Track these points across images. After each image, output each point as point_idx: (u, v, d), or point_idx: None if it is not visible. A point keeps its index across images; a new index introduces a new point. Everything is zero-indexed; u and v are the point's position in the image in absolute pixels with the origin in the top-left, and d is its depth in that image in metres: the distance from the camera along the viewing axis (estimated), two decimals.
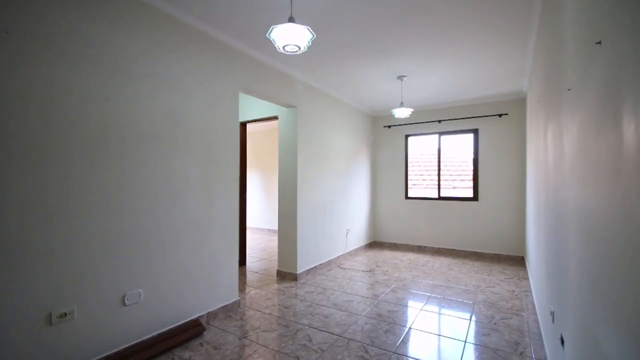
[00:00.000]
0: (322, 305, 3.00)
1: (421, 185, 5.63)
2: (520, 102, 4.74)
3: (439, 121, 5.32)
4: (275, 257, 4.84)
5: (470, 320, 2.67)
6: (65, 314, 1.75)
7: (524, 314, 2.78)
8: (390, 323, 2.63)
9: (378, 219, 5.93)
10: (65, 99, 1.77)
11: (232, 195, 2.87)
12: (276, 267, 4.18)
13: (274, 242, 6.12)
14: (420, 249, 5.46)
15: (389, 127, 5.79)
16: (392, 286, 3.57)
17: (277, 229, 6.68)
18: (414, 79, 3.89)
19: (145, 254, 2.17)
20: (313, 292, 3.39)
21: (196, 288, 2.53)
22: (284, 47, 1.83)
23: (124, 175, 2.05)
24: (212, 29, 2.61)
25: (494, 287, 3.56)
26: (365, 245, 5.65)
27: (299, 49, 1.83)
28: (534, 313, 2.77)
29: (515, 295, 3.26)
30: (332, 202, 4.58)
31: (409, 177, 5.72)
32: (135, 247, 2.12)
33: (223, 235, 2.78)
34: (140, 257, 2.14)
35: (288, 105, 3.73)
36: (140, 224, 2.14)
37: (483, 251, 4.98)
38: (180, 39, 2.41)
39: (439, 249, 5.31)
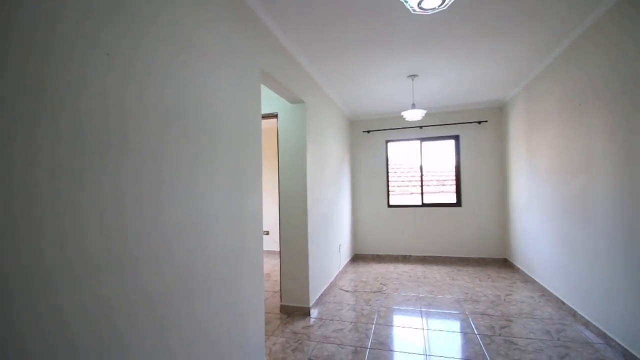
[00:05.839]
0: (377, 349, 2.40)
1: (404, 193, 5.46)
2: (498, 110, 4.94)
3: (420, 127, 5.22)
4: (274, 287, 3.97)
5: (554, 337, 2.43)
6: None
7: (568, 323, 2.67)
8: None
9: (360, 229, 5.52)
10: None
11: (257, 215, 2.07)
12: (278, 301, 3.36)
13: (267, 266, 5.02)
14: (405, 259, 5.23)
15: (368, 132, 5.48)
16: (422, 309, 3.16)
17: (272, 249, 5.72)
18: (416, 80, 3.63)
19: (162, 322, 1.28)
20: (342, 329, 2.74)
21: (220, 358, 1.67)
22: (419, 5, 1.25)
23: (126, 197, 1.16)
24: None
25: (511, 294, 3.46)
26: (350, 259, 5.17)
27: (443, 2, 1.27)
28: (584, 324, 2.66)
29: (541, 303, 3.19)
30: (330, 214, 3.99)
31: (390, 185, 5.47)
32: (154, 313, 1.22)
33: (252, 273, 1.97)
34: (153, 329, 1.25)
35: (296, 100, 3.04)
36: (162, 277, 1.25)
37: (468, 256, 5.01)
38: None
39: (424, 257, 5.17)
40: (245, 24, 1.98)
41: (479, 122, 4.99)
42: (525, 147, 3.93)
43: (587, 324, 2.55)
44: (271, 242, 5.74)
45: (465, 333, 2.59)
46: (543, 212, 3.44)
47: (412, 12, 1.36)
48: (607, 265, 2.29)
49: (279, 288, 3.77)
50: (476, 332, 2.60)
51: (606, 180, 2.28)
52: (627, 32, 2.01)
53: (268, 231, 3.06)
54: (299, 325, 2.86)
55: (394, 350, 2.38)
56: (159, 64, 1.27)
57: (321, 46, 2.74)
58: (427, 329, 2.70)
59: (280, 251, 3.18)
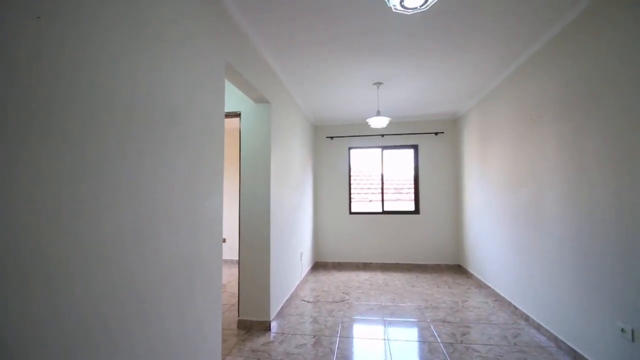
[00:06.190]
0: None
1: (363, 200, 5.47)
2: (454, 122, 5.19)
3: (382, 135, 5.31)
4: (230, 300, 3.66)
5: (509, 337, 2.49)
6: None
7: (523, 325, 2.80)
8: None
9: (321, 236, 5.41)
10: None
11: (217, 221, 1.86)
12: (235, 315, 3.10)
13: (223, 277, 4.60)
14: (366, 266, 5.22)
15: (332, 138, 5.44)
16: (385, 318, 3.11)
17: (229, 258, 5.29)
18: (384, 88, 3.67)
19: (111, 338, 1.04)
20: (305, 344, 2.58)
21: None
22: (401, 3, 1.18)
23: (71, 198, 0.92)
24: None
25: (467, 300, 3.57)
26: (311, 268, 5.03)
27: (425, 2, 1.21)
28: (535, 327, 2.80)
29: (495, 308, 3.32)
30: (293, 221, 3.83)
31: (352, 191, 5.46)
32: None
33: (208, 288, 1.74)
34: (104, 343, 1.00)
35: (261, 100, 2.86)
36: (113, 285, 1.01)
37: (425, 262, 5.13)
38: None
39: (384, 264, 5.20)
40: (209, 9, 1.79)
41: (436, 133, 5.20)
42: (479, 158, 4.15)
43: (538, 328, 2.68)
44: (227, 250, 5.40)
45: (430, 342, 2.58)
46: (495, 220, 3.62)
47: (394, 10, 1.30)
48: (557, 270, 2.43)
49: (236, 301, 3.51)
50: (439, 341, 2.59)
51: (556, 189, 2.43)
52: (581, 49, 2.17)
53: (225, 238, 2.81)
54: (258, 341, 2.64)
55: None
56: (103, 40, 1.05)
57: (288, 43, 2.62)
58: (392, 340, 2.64)
59: (239, 260, 2.94)
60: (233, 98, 2.94)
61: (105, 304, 1.04)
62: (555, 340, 2.44)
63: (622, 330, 1.75)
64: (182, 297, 1.48)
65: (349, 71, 3.21)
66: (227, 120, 3.02)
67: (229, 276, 4.67)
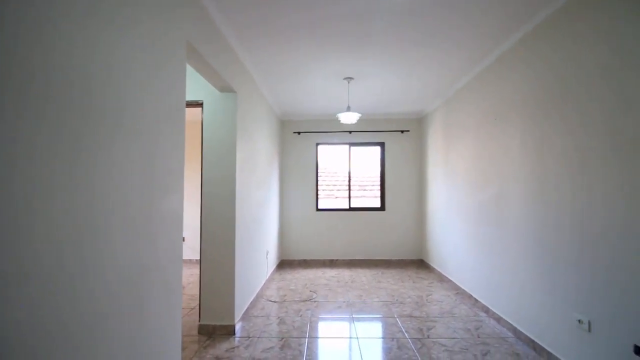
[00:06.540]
0: None
1: (329, 196, 5.42)
2: (419, 120, 5.31)
3: (350, 132, 5.29)
4: (189, 303, 3.39)
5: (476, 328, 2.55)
6: None
7: (484, 317, 2.91)
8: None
9: (288, 234, 5.28)
10: None
11: (177, 221, 1.67)
12: (196, 320, 2.88)
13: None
14: (332, 263, 5.19)
15: (299, 133, 5.32)
16: (353, 315, 3.08)
17: (188, 258, 4.90)
18: (353, 83, 3.62)
19: None
20: (273, 347, 2.46)
21: None
22: None
23: None
24: None
25: (431, 294, 3.67)
26: (277, 266, 4.89)
27: None
28: (497, 319, 2.92)
29: (457, 301, 3.43)
30: (259, 218, 3.66)
31: (319, 188, 5.39)
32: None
33: (166, 295, 1.55)
34: None
35: (226, 89, 2.66)
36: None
37: (390, 258, 5.22)
38: None
39: (351, 260, 5.21)
40: None
41: (402, 132, 5.29)
42: (443, 156, 4.27)
43: (498, 320, 2.81)
44: (187, 250, 5.07)
45: (398, 338, 2.58)
46: (458, 216, 3.75)
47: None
48: (517, 264, 2.54)
49: (196, 304, 3.28)
50: (407, 337, 2.61)
51: (519, 187, 2.53)
52: (543, 54, 2.26)
53: (184, 237, 2.60)
54: (222, 347, 2.46)
55: None
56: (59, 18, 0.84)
57: (257, 30, 2.46)
58: (362, 338, 2.61)
59: (200, 260, 2.73)
60: (194, 86, 2.69)
61: (43, 317, 0.84)
62: (515, 331, 2.56)
63: (580, 321, 1.86)
64: (136, 305, 1.29)
65: (320, 63, 3.10)
66: (186, 110, 2.77)
67: (188, 277, 4.39)
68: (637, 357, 1.52)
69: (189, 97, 2.70)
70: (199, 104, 2.78)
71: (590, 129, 1.83)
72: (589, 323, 1.79)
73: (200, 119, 2.77)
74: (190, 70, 2.26)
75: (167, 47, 1.55)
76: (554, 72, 2.13)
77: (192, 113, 3.32)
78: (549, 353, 2.14)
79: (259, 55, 2.90)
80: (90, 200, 1.05)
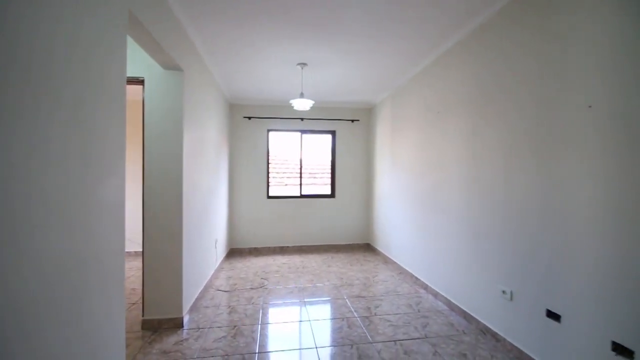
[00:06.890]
0: (266, 351, 2.18)
1: (279, 184, 5.39)
2: (368, 110, 5.49)
3: (302, 119, 5.27)
4: (130, 298, 3.09)
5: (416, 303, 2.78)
6: None
7: (423, 292, 3.20)
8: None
9: (237, 222, 5.14)
10: None
11: (118, 210, 1.53)
12: (138, 315, 2.68)
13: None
14: (282, 250, 5.21)
15: (249, 118, 5.15)
16: (305, 299, 3.15)
17: (128, 250, 4.31)
18: (308, 70, 3.60)
19: None
20: (225, 336, 2.42)
21: None
22: None
23: None
24: None
25: (377, 275, 3.90)
26: (226, 255, 4.75)
27: None
28: (433, 294, 3.22)
29: (400, 280, 3.71)
30: (208, 207, 3.50)
31: (270, 175, 5.32)
32: None
33: (106, 291, 1.42)
34: None
35: (172, 66, 2.45)
36: None
37: (339, 243, 5.41)
38: None
39: (301, 246, 5.28)
40: None
41: (352, 121, 5.43)
42: (389, 146, 4.49)
43: (436, 295, 3.10)
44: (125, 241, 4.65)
45: (348, 318, 2.72)
46: (402, 202, 4.01)
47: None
48: (452, 245, 2.82)
49: (138, 299, 3.07)
50: (356, 315, 2.76)
51: (456, 176, 2.79)
52: (479, 53, 2.47)
53: None
54: (169, 341, 2.35)
55: (284, 350, 2.25)
56: None
57: (207, 6, 2.29)
58: (314, 320, 2.69)
59: (143, 252, 2.54)
60: (132, 62, 2.43)
61: None
62: (449, 304, 2.85)
63: (503, 292, 2.14)
64: (72, 303, 1.16)
65: (274, 47, 3.01)
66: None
67: (128, 270, 4.06)
68: (549, 319, 1.81)
69: (128, 73, 2.45)
70: (139, 81, 2.52)
71: (516, 127, 2.07)
72: (511, 293, 2.08)
73: (141, 99, 2.53)
74: (129, 44, 2.03)
75: (107, 13, 1.37)
76: (483, 74, 2.36)
77: (130, 91, 3.01)
78: (477, 321, 2.45)
79: (210, 31, 2.71)
80: (19, 186, 0.91)
